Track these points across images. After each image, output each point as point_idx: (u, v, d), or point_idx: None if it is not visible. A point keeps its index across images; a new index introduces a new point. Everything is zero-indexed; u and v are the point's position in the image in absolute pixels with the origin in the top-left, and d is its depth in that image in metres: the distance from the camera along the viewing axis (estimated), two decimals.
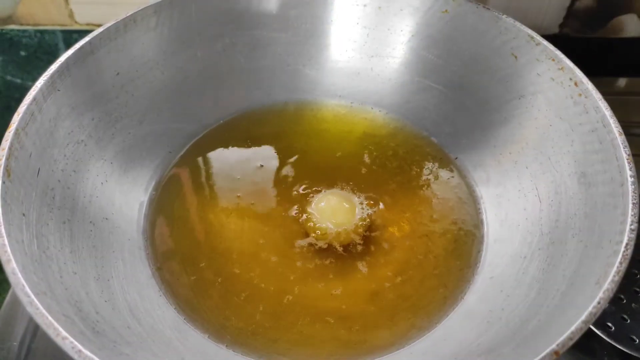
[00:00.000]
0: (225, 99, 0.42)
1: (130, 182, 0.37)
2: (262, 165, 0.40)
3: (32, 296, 0.23)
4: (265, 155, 0.41)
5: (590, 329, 0.33)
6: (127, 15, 0.35)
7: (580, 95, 0.33)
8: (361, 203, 0.38)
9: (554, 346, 0.23)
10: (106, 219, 0.34)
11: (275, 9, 0.41)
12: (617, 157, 0.29)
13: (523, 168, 0.36)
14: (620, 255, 0.25)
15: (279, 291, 0.34)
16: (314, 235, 0.36)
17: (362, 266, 0.35)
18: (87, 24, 0.52)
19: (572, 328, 0.23)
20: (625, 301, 0.36)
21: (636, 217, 0.27)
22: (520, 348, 0.26)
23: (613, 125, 0.30)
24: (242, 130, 0.42)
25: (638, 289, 0.37)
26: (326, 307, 0.33)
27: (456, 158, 0.41)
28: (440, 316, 0.33)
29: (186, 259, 0.35)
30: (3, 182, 0.26)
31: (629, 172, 0.28)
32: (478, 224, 0.37)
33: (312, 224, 0.36)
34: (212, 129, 0.42)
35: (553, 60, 0.35)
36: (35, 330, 0.36)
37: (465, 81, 0.40)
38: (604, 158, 0.30)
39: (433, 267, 0.35)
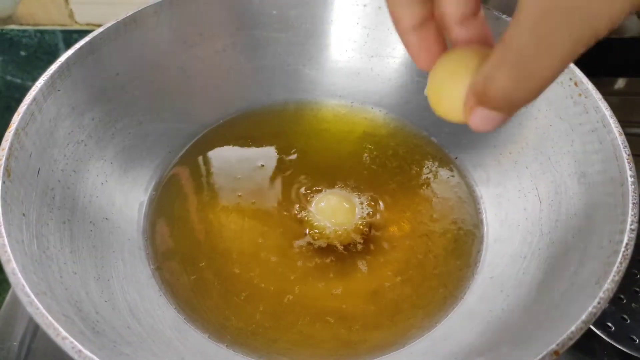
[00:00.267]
0: (225, 99, 0.42)
1: (130, 182, 0.37)
2: (262, 165, 0.40)
3: (32, 296, 0.23)
4: (266, 155, 0.41)
5: (590, 329, 0.33)
6: (127, 15, 0.35)
7: (580, 95, 0.33)
8: (361, 203, 0.38)
9: (554, 346, 0.23)
10: (106, 219, 0.34)
11: (275, 9, 0.41)
12: (617, 157, 0.29)
13: (523, 168, 0.36)
14: (620, 255, 0.25)
15: (279, 291, 0.34)
16: (314, 235, 0.36)
17: (362, 266, 0.35)
18: (87, 24, 0.52)
19: (572, 328, 0.23)
20: (625, 301, 0.36)
21: (636, 217, 0.27)
22: (520, 348, 0.26)
23: (613, 125, 0.30)
24: (242, 130, 0.42)
25: (638, 289, 0.37)
26: (326, 306, 0.33)
27: (456, 158, 0.41)
28: (440, 316, 0.33)
29: (186, 258, 0.35)
30: (3, 182, 0.26)
31: (629, 172, 0.28)
32: (478, 223, 0.37)
33: (312, 224, 0.36)
34: (212, 129, 0.42)
35: None
36: (35, 330, 0.36)
37: None
38: (604, 158, 0.30)
39: (433, 267, 0.35)
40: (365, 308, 0.33)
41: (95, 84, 0.34)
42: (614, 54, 0.54)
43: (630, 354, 0.34)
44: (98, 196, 0.34)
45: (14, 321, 0.37)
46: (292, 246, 0.35)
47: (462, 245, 0.36)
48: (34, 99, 0.30)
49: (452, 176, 0.40)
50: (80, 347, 0.22)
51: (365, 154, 0.41)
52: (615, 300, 0.36)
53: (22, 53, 0.54)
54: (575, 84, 0.33)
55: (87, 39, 0.33)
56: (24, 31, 0.52)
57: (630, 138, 0.30)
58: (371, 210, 0.37)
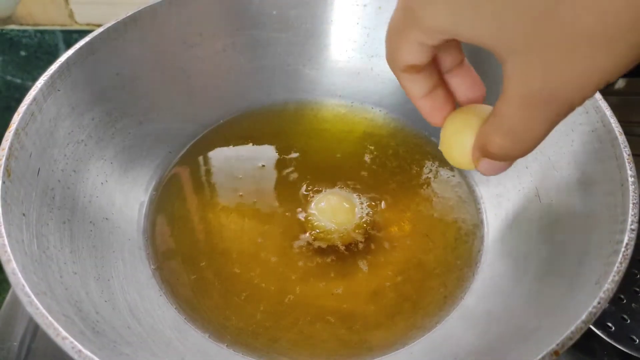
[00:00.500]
0: (225, 99, 0.42)
1: (130, 182, 0.37)
2: (262, 166, 0.40)
3: (32, 296, 0.23)
4: (266, 155, 0.41)
5: (590, 329, 0.33)
6: (127, 15, 0.35)
7: None
8: (361, 203, 0.38)
9: (553, 346, 0.23)
10: (106, 219, 0.34)
11: (275, 9, 0.41)
12: (617, 157, 0.29)
13: (523, 168, 0.36)
14: (620, 255, 0.25)
15: (280, 291, 0.34)
16: (314, 234, 0.36)
17: (362, 265, 0.35)
18: (87, 24, 0.52)
19: (572, 328, 0.23)
20: (625, 301, 0.36)
21: (636, 217, 0.27)
22: (520, 348, 0.26)
23: (613, 125, 0.30)
24: (242, 130, 0.42)
25: (638, 289, 0.37)
26: (327, 306, 0.33)
27: None
28: (440, 316, 0.33)
29: (186, 258, 0.35)
30: (3, 182, 0.26)
31: (629, 172, 0.28)
32: (478, 223, 0.37)
33: (312, 224, 0.36)
34: (212, 129, 0.42)
35: None
36: (35, 330, 0.36)
37: None
38: (604, 158, 0.30)
39: (433, 266, 0.35)
40: (366, 308, 0.33)
41: (95, 84, 0.34)
42: None
43: (630, 354, 0.34)
44: (98, 196, 0.34)
45: (14, 321, 0.37)
46: (292, 246, 0.35)
47: (462, 245, 0.36)
48: (34, 99, 0.30)
49: (452, 176, 0.40)
50: (80, 347, 0.22)
51: (366, 154, 0.41)
52: (615, 300, 0.36)
53: (22, 53, 0.54)
54: None
55: (87, 39, 0.33)
56: (24, 31, 0.52)
57: (630, 138, 0.30)
58: (371, 210, 0.37)
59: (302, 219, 0.37)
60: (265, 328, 0.32)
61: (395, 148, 0.42)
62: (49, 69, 0.31)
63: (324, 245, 0.35)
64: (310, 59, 0.43)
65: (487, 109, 0.24)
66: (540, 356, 0.23)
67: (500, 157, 0.22)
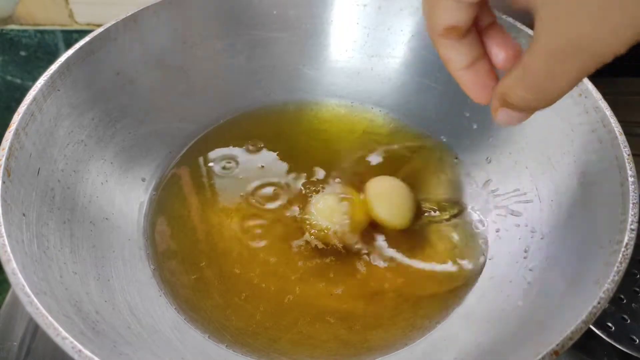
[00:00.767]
0: (225, 99, 0.42)
1: (130, 182, 0.37)
2: (262, 166, 0.40)
3: (32, 296, 0.23)
4: (265, 156, 0.41)
5: (590, 329, 0.33)
6: (127, 15, 0.35)
7: (580, 95, 0.33)
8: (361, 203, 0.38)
9: (553, 346, 0.23)
10: (106, 219, 0.34)
11: (275, 9, 0.41)
12: (617, 157, 0.29)
13: (523, 168, 0.36)
14: (620, 255, 0.25)
15: (280, 291, 0.34)
16: (313, 235, 0.36)
17: (361, 266, 0.35)
18: (87, 24, 0.52)
19: (572, 328, 0.23)
20: (625, 301, 0.36)
21: (636, 217, 0.27)
22: (520, 348, 0.26)
23: (613, 125, 0.30)
24: (242, 131, 0.42)
25: (638, 289, 0.37)
26: (327, 306, 0.33)
27: (456, 158, 0.41)
28: (440, 316, 0.33)
29: (186, 259, 0.35)
30: (3, 182, 0.26)
31: (629, 172, 0.28)
32: (478, 223, 0.37)
33: (312, 224, 0.36)
34: (212, 129, 0.42)
35: None
36: (35, 330, 0.36)
37: None
38: (604, 158, 0.30)
39: (433, 266, 0.35)
40: (366, 308, 0.33)
41: (95, 84, 0.34)
42: None
43: (630, 354, 0.34)
44: (98, 196, 0.34)
45: (14, 321, 0.37)
46: (292, 246, 0.35)
47: (462, 245, 0.36)
48: (34, 99, 0.30)
49: (452, 176, 0.40)
50: (80, 347, 0.22)
51: (365, 154, 0.41)
52: (615, 300, 0.36)
53: (22, 53, 0.54)
54: None
55: (87, 39, 0.33)
56: (24, 31, 0.52)
57: (630, 138, 0.30)
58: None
59: (302, 219, 0.37)
60: (265, 328, 0.32)
61: (395, 148, 0.42)
62: (49, 69, 0.31)
63: (323, 245, 0.35)
64: (310, 59, 0.43)
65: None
66: (540, 356, 0.23)
67: (520, 108, 0.21)
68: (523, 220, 0.35)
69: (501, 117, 0.22)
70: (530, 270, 0.32)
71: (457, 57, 0.23)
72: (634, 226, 0.26)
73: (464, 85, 0.24)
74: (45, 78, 0.31)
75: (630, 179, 0.28)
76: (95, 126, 0.35)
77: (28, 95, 0.30)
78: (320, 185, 0.39)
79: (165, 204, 0.38)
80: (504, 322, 0.30)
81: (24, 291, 0.23)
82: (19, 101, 0.29)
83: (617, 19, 0.16)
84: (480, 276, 0.34)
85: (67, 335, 0.22)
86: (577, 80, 0.19)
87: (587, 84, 0.32)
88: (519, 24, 0.36)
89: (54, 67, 0.31)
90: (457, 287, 0.34)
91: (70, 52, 0.32)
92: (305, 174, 0.39)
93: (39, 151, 0.30)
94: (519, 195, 0.36)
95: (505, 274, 0.33)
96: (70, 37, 0.53)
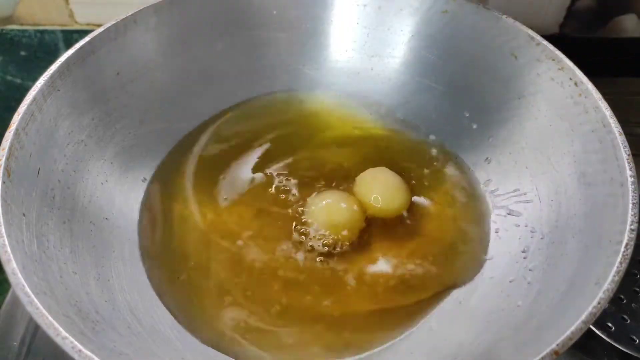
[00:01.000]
0: (225, 99, 0.42)
1: (130, 182, 0.37)
2: (262, 166, 0.40)
3: (32, 296, 0.23)
4: (265, 156, 0.41)
5: (590, 329, 0.33)
6: (127, 15, 0.35)
7: (580, 95, 0.33)
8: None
9: (554, 346, 0.23)
10: (106, 219, 0.34)
11: (275, 9, 0.41)
12: (617, 157, 0.29)
13: (523, 168, 0.36)
14: (620, 255, 0.25)
15: (280, 291, 0.33)
16: (311, 235, 0.36)
17: (361, 266, 0.35)
18: (87, 24, 0.52)
19: (572, 328, 0.23)
20: (625, 301, 0.36)
21: (636, 217, 0.27)
22: (520, 348, 0.26)
23: (613, 125, 0.30)
24: (242, 131, 0.42)
25: (638, 289, 0.37)
26: (325, 305, 0.33)
27: (456, 158, 0.41)
28: (440, 316, 0.33)
29: (186, 258, 0.35)
30: (3, 182, 0.26)
31: (629, 172, 0.28)
32: (478, 223, 0.37)
33: (311, 224, 0.36)
34: (212, 129, 0.42)
35: (553, 60, 0.35)
36: (35, 330, 0.36)
37: (465, 81, 0.40)
38: (604, 158, 0.30)
39: (433, 266, 0.35)
40: (366, 308, 0.33)
41: (95, 83, 0.34)
42: (614, 54, 0.54)
43: (630, 354, 0.34)
44: (98, 196, 0.34)
45: (14, 321, 0.37)
46: (291, 246, 0.35)
47: (462, 245, 0.36)
48: (34, 99, 0.30)
49: (452, 176, 0.40)
50: (80, 347, 0.22)
51: (365, 154, 0.41)
52: (615, 300, 0.36)
53: (22, 53, 0.54)
54: (575, 84, 0.33)
55: (87, 39, 0.33)
56: (24, 31, 0.52)
57: (630, 138, 0.30)
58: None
59: (301, 220, 0.36)
60: (265, 328, 0.32)
61: (395, 148, 0.42)
62: (49, 69, 0.31)
63: (321, 245, 0.35)
64: (310, 59, 0.43)
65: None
66: (540, 356, 0.23)
67: None
68: (523, 220, 0.35)
69: None
70: (530, 270, 0.32)
71: None
72: (634, 226, 0.26)
73: None
74: (45, 78, 0.31)
75: (630, 179, 0.28)
76: (95, 126, 0.35)
77: (28, 95, 0.30)
78: (320, 186, 0.39)
79: (165, 203, 0.38)
80: (504, 322, 0.30)
81: (24, 291, 0.23)
82: (19, 101, 0.29)
83: None
84: (480, 276, 0.34)
85: (67, 335, 0.22)
86: None
87: (587, 84, 0.32)
88: (518, 24, 0.36)
89: (54, 67, 0.31)
90: (457, 278, 0.34)
91: (70, 52, 0.32)
92: (304, 174, 0.39)
93: (39, 151, 0.30)
94: (518, 195, 0.36)
95: (505, 274, 0.33)
96: (70, 37, 0.52)
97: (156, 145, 0.39)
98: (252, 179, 0.39)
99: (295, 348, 0.32)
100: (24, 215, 0.27)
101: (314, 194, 0.38)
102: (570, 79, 0.33)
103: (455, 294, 0.34)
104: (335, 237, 0.35)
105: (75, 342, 0.22)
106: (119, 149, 0.36)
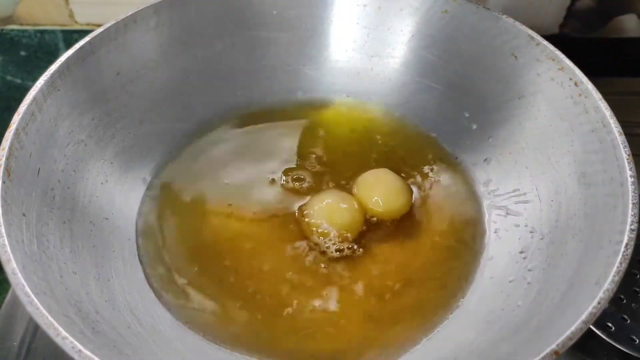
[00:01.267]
0: (225, 99, 0.42)
1: (130, 182, 0.37)
2: (262, 167, 0.40)
3: (32, 296, 0.23)
4: (265, 156, 0.41)
5: (590, 329, 0.33)
6: (127, 15, 0.35)
7: (580, 95, 0.33)
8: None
9: (554, 346, 0.23)
10: (106, 219, 0.34)
11: (275, 9, 0.41)
12: (617, 157, 0.29)
13: (523, 168, 0.36)
14: (620, 255, 0.25)
15: (280, 291, 0.33)
16: (312, 236, 0.36)
17: (362, 266, 0.35)
18: (87, 24, 0.52)
19: (572, 328, 0.23)
20: (625, 301, 0.36)
21: (636, 217, 0.27)
22: (520, 348, 0.26)
23: (613, 125, 0.30)
24: (242, 131, 0.42)
25: (638, 289, 0.37)
26: (326, 306, 0.33)
27: (456, 158, 0.41)
28: (440, 317, 0.33)
29: (186, 259, 0.35)
30: (3, 182, 0.26)
31: (629, 172, 0.28)
32: (478, 223, 0.37)
33: (311, 225, 0.36)
34: (211, 129, 0.42)
35: (553, 60, 0.35)
36: (35, 330, 0.36)
37: (465, 81, 0.40)
38: (604, 158, 0.30)
39: (433, 267, 0.35)
40: (366, 308, 0.33)
41: (95, 83, 0.34)
42: (614, 54, 0.54)
43: (630, 354, 0.34)
44: (98, 196, 0.34)
45: (14, 321, 0.37)
46: (291, 247, 0.35)
47: (462, 246, 0.36)
48: (34, 98, 0.30)
49: (452, 176, 0.40)
50: (80, 347, 0.22)
51: (365, 154, 0.41)
52: (615, 301, 0.36)
53: (22, 53, 0.54)
54: (575, 84, 0.33)
55: (87, 39, 0.33)
56: (24, 31, 0.52)
57: (630, 138, 0.30)
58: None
59: (301, 220, 0.36)
60: (265, 329, 0.32)
61: (395, 148, 0.42)
62: (49, 69, 0.31)
63: (322, 245, 0.35)
64: (310, 59, 0.43)
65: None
66: (540, 356, 0.23)
67: None
68: (523, 220, 0.35)
69: None
70: (530, 270, 0.32)
71: None
72: (634, 226, 0.26)
73: None
74: (45, 78, 0.31)
75: (630, 179, 0.28)
76: (95, 126, 0.35)
77: (28, 95, 0.30)
78: (320, 186, 0.39)
79: (165, 203, 0.38)
80: (504, 322, 0.30)
81: (24, 291, 0.23)
82: (19, 101, 0.29)
83: None
84: (480, 276, 0.34)
85: (67, 335, 0.22)
86: None
87: (587, 84, 0.32)
88: (518, 24, 0.36)
89: (54, 67, 0.31)
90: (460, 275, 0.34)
91: (70, 52, 0.32)
92: (304, 175, 0.39)
93: (39, 151, 0.30)
94: (518, 195, 0.36)
95: (505, 274, 0.33)
96: (70, 37, 0.52)
97: (156, 145, 0.39)
98: (252, 180, 0.39)
99: (297, 352, 0.32)
100: (24, 215, 0.27)
101: (314, 194, 0.38)
102: (570, 79, 0.33)
103: (456, 295, 0.34)
104: (335, 238, 0.35)
105: (75, 342, 0.22)
106: (119, 149, 0.36)
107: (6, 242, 0.24)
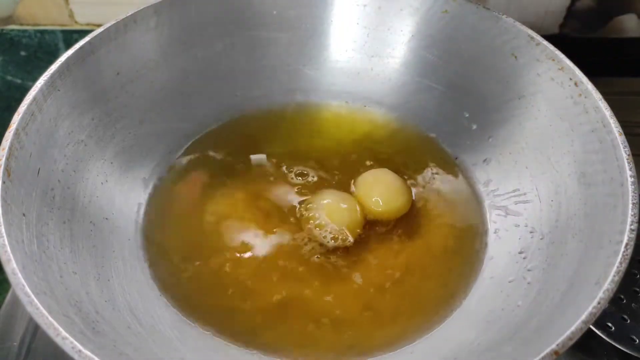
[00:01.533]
0: (225, 99, 0.42)
1: (130, 182, 0.37)
2: (262, 167, 0.40)
3: (32, 296, 0.23)
4: (265, 156, 0.41)
5: (590, 329, 0.33)
6: (127, 15, 0.35)
7: (580, 95, 0.33)
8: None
9: (554, 346, 0.23)
10: (106, 219, 0.34)
11: (275, 9, 0.41)
12: (617, 157, 0.29)
13: (523, 168, 0.36)
14: (620, 255, 0.25)
15: (279, 291, 0.33)
16: (312, 235, 0.36)
17: (362, 266, 0.35)
18: (87, 24, 0.52)
19: (572, 328, 0.23)
20: (625, 301, 0.36)
21: (636, 217, 0.27)
22: (520, 348, 0.26)
23: (613, 125, 0.30)
24: (242, 131, 0.42)
25: (638, 289, 0.37)
26: (326, 306, 0.33)
27: (456, 158, 0.41)
28: (440, 316, 0.33)
29: (185, 259, 0.35)
30: (3, 182, 0.26)
31: (629, 172, 0.28)
32: (478, 224, 0.37)
33: (311, 224, 0.36)
34: (212, 129, 0.42)
35: (553, 60, 0.35)
36: (35, 330, 0.36)
37: (465, 81, 0.40)
38: (604, 158, 0.30)
39: (433, 267, 0.35)
40: (366, 308, 0.33)
41: (95, 83, 0.34)
42: (614, 54, 0.54)
43: (630, 354, 0.34)
44: (98, 196, 0.34)
45: (14, 321, 0.37)
46: (291, 247, 0.35)
47: (462, 245, 0.36)
48: (34, 98, 0.30)
49: (452, 176, 0.40)
50: (80, 347, 0.22)
51: (365, 155, 0.41)
52: (615, 300, 0.36)
53: (22, 53, 0.54)
54: (575, 84, 0.33)
55: (87, 39, 0.33)
56: (24, 31, 0.52)
57: (630, 138, 0.30)
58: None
59: (301, 220, 0.37)
60: (265, 329, 0.32)
61: (395, 148, 0.42)
62: (49, 69, 0.31)
63: (322, 245, 0.35)
64: (310, 59, 0.43)
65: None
66: (540, 356, 0.23)
67: None
68: (523, 220, 0.35)
69: None
70: (530, 270, 0.32)
71: None
72: (634, 226, 0.26)
73: None
74: (45, 78, 0.31)
75: (630, 179, 0.28)
76: (95, 126, 0.35)
77: (28, 95, 0.30)
78: (320, 186, 0.39)
79: (165, 204, 0.38)
80: (504, 322, 0.30)
81: (24, 291, 0.23)
82: (19, 101, 0.29)
83: None
84: (480, 276, 0.34)
85: (67, 335, 0.22)
86: None
87: (587, 84, 0.32)
88: (518, 24, 0.36)
89: (54, 67, 0.31)
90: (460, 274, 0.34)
91: (70, 52, 0.32)
92: (304, 174, 0.39)
93: (39, 151, 0.30)
94: (518, 195, 0.36)
95: (505, 274, 0.33)
96: (70, 37, 0.52)
97: (156, 145, 0.39)
98: (252, 180, 0.39)
99: (297, 347, 0.32)
100: (24, 215, 0.27)
101: (314, 194, 0.38)
102: (570, 79, 0.33)
103: (456, 294, 0.34)
104: (334, 237, 0.35)
105: (75, 342, 0.22)
106: (119, 149, 0.36)
107: (6, 242, 0.24)
